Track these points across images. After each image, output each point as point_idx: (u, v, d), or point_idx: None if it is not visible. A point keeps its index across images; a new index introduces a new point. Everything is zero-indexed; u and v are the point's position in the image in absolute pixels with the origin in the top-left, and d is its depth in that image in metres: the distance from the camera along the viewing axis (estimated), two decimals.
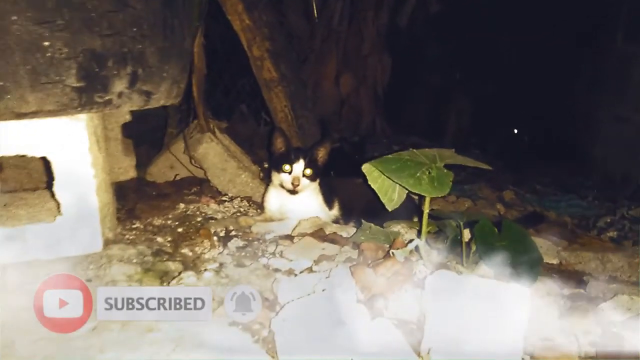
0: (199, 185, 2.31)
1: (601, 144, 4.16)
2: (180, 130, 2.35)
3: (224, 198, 2.20)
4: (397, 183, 1.36)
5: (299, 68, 2.59)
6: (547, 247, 1.88)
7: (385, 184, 1.43)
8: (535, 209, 2.84)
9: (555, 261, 1.83)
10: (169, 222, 1.82)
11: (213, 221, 1.86)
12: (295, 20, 3.98)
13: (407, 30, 4.08)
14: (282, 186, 1.89)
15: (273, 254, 1.58)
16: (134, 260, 1.39)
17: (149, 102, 1.35)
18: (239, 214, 2.05)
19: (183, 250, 1.54)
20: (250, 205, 2.17)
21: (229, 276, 1.32)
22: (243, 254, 1.58)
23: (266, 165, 3.03)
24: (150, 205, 1.97)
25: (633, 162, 3.68)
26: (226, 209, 2.09)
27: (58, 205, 1.22)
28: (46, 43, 1.05)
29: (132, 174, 2.01)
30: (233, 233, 1.73)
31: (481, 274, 1.36)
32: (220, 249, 1.60)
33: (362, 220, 1.62)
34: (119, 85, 1.22)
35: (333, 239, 1.67)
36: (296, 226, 1.81)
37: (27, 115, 1.10)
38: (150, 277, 1.32)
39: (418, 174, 1.35)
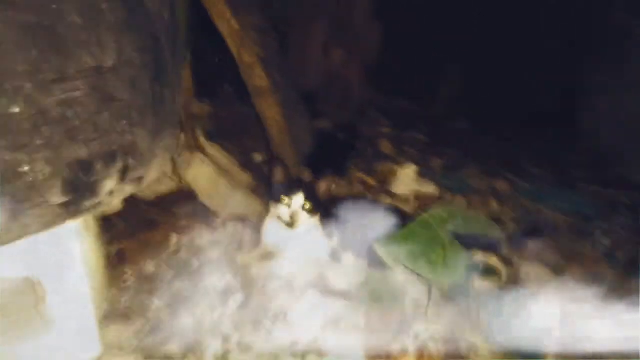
0: (191, 202, 2.20)
1: (594, 120, 4.11)
2: None
3: (217, 221, 2.11)
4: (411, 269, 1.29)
5: (291, 73, 2.40)
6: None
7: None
8: (530, 209, 2.83)
9: None
10: (163, 269, 1.74)
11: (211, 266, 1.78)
12: None
13: None
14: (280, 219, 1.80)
15: (276, 317, 1.53)
16: (133, 344, 1.33)
17: (141, 185, 1.22)
18: (235, 245, 1.97)
19: (183, 319, 1.47)
20: (244, 228, 2.09)
21: None
22: (245, 317, 1.53)
23: (256, 156, 2.92)
24: (140, 242, 1.87)
25: (625, 140, 3.67)
26: (221, 237, 2.01)
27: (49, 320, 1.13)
28: (25, 168, 0.91)
29: (118, 205, 1.88)
30: (233, 285, 1.66)
31: None
32: (221, 308, 1.55)
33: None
34: (109, 185, 1.09)
35: (336, 293, 1.63)
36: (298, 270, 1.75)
37: (9, 243, 0.97)
38: None
39: (432, 255, 1.29)
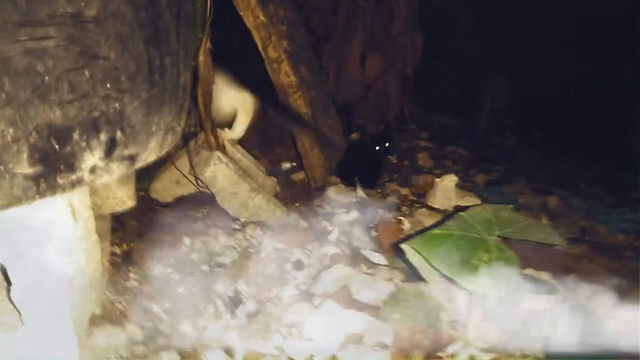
0: (208, 205, 2.06)
1: None
2: (186, 142, 2.07)
3: (235, 226, 1.95)
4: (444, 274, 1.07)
5: (320, 70, 2.24)
6: None
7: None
8: (587, 228, 2.53)
9: None
10: (170, 271, 1.57)
11: (221, 269, 1.60)
12: None
13: (441, 5, 3.65)
14: None
15: (289, 328, 1.33)
16: (122, 353, 1.15)
17: (133, 166, 1.07)
18: (250, 250, 1.80)
19: (182, 327, 1.30)
20: (264, 234, 1.92)
21: None
22: (255, 326, 1.34)
23: (286, 165, 2.78)
24: (150, 242, 1.72)
25: None
26: (237, 241, 1.84)
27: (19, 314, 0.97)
28: None
29: (129, 203, 1.74)
30: (243, 294, 1.48)
31: None
32: (227, 317, 1.36)
33: None
34: (91, 159, 0.94)
35: (361, 306, 1.42)
36: (318, 281, 1.56)
37: None
38: None
39: (474, 260, 1.06)
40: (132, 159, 1.05)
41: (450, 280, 1.04)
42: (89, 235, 1.25)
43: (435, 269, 1.05)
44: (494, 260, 1.06)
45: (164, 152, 1.19)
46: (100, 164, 0.97)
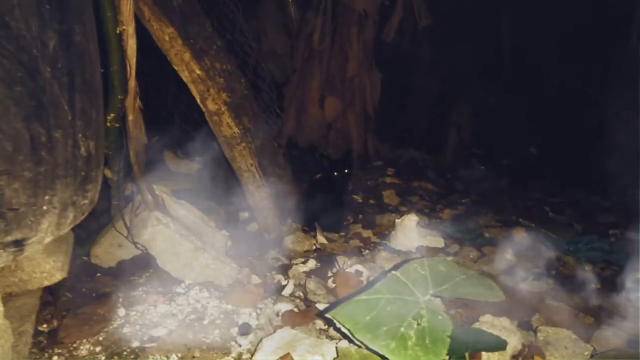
0: (152, 268, 1.94)
1: (616, 156, 3.77)
2: (127, 203, 1.97)
3: (178, 289, 1.83)
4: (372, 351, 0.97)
5: (264, 120, 2.18)
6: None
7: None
8: (554, 261, 2.46)
9: None
10: (98, 350, 1.45)
11: (152, 346, 1.48)
12: (275, 37, 3.58)
13: (394, 44, 3.67)
14: None
15: None
16: None
17: (22, 251, 0.97)
18: (192, 316, 1.68)
19: None
20: (210, 296, 1.80)
21: None
22: None
23: (245, 214, 2.68)
24: (81, 318, 1.60)
25: None
26: (179, 307, 1.72)
27: None
28: None
29: (59, 276, 1.63)
30: None
31: None
32: None
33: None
34: None
35: None
36: (258, 348, 1.44)
37: None
38: None
39: (402, 329, 0.97)
40: (18, 244, 0.95)
41: (378, 355, 0.95)
42: None
43: (361, 341, 0.95)
44: (425, 327, 0.97)
45: (65, 230, 1.09)
46: None
